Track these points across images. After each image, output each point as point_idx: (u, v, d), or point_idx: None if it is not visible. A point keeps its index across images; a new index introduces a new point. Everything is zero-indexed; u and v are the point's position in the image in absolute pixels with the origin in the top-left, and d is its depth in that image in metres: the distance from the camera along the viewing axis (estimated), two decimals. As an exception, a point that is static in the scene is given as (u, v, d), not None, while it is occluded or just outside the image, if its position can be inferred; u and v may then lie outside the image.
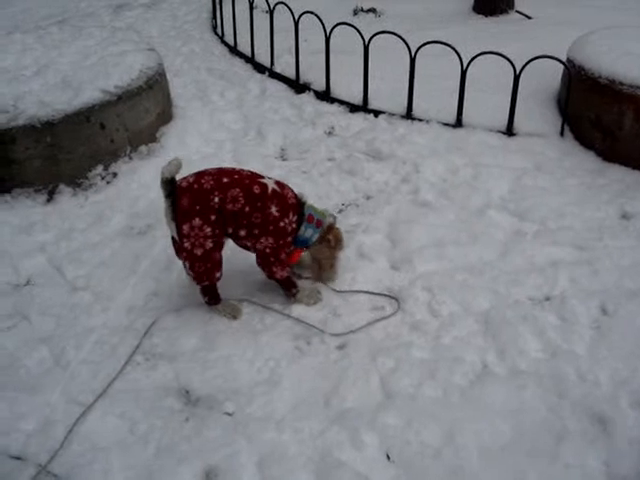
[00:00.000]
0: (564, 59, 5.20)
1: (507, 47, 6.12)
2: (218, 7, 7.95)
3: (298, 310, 3.58)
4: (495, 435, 2.87)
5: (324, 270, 3.73)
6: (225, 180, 3.29)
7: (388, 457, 2.80)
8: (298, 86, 6.23)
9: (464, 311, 3.54)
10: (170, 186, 3.26)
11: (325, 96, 5.97)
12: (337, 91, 5.93)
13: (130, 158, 4.89)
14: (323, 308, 3.60)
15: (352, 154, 5.01)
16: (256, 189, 3.31)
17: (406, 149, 5.01)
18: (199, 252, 3.31)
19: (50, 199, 4.55)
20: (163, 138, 5.17)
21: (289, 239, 3.45)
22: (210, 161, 4.60)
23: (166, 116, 5.35)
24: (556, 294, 3.63)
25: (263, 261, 3.51)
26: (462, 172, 4.72)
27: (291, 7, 6.10)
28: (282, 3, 6.11)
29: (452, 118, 5.35)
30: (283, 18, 6.18)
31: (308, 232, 3.49)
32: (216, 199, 3.24)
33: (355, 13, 7.91)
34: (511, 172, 4.69)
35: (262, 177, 3.42)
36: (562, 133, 5.12)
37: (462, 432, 2.87)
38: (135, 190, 4.66)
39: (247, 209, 3.29)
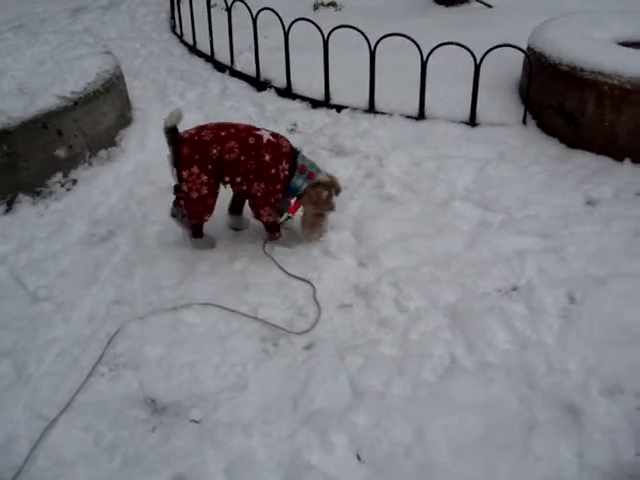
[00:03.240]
0: (525, 47, 5.19)
1: (468, 37, 6.10)
2: (176, 7, 7.87)
3: (264, 312, 3.53)
4: (465, 430, 2.84)
5: (304, 226, 3.96)
6: (223, 134, 3.66)
7: (359, 457, 2.76)
8: (259, 84, 6.18)
9: (431, 305, 3.51)
10: (172, 134, 3.66)
11: (287, 93, 5.92)
12: (298, 87, 5.89)
13: (90, 164, 4.80)
14: (288, 308, 3.55)
15: (315, 150, 4.97)
16: (251, 140, 3.68)
17: (369, 143, 4.97)
18: (195, 196, 3.70)
19: (9, 209, 4.45)
20: (123, 142, 5.09)
21: (279, 186, 3.75)
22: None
23: (125, 119, 5.27)
24: (523, 284, 3.61)
25: (254, 203, 3.84)
26: (426, 164, 4.69)
27: (250, 4, 6.04)
28: (240, 0, 6.04)
29: (415, 111, 5.33)
30: (242, 15, 6.12)
31: (299, 182, 3.79)
32: (214, 150, 3.62)
33: (315, 8, 7.88)
34: (475, 162, 4.68)
35: (258, 129, 3.79)
36: (525, 121, 5.12)
37: (432, 428, 2.84)
38: (95, 196, 4.58)
39: (242, 158, 3.65)
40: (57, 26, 8.37)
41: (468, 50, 4.90)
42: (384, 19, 7.24)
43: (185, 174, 3.64)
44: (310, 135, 5.22)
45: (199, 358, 3.27)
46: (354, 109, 5.50)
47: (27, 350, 3.38)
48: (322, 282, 3.71)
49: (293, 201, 3.95)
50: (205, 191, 3.69)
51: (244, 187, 3.77)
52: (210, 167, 3.63)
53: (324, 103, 5.67)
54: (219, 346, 3.34)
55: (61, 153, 4.59)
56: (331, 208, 3.91)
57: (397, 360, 3.18)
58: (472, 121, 5.17)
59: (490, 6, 7.53)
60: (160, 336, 3.42)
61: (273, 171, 3.69)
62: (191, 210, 3.80)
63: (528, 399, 2.95)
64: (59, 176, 4.63)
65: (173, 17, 8.06)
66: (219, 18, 6.63)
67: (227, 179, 3.75)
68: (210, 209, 3.82)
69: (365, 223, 4.13)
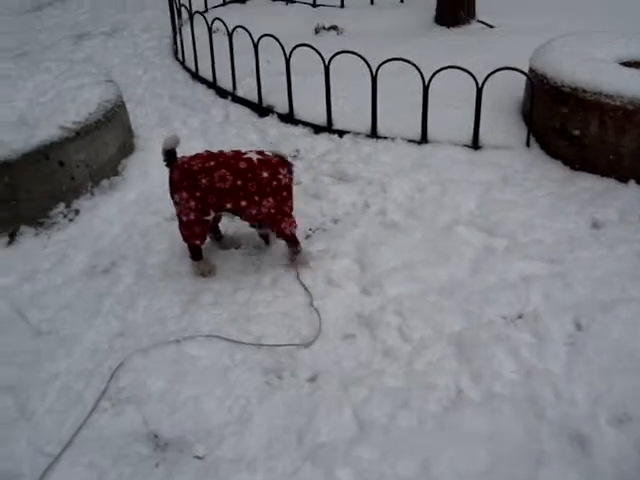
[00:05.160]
0: (527, 68, 5.18)
1: (470, 58, 6.17)
2: (178, 32, 7.89)
3: (268, 342, 3.50)
4: (472, 462, 2.81)
5: None
6: (212, 163, 3.76)
7: (364, 493, 2.73)
8: (261, 109, 6.16)
9: (436, 334, 3.48)
10: (169, 158, 3.86)
11: (289, 118, 5.91)
12: (301, 113, 5.88)
13: (92, 194, 4.79)
14: (293, 339, 3.52)
15: (318, 177, 4.95)
16: (242, 164, 3.77)
17: (372, 169, 4.95)
18: (184, 219, 3.84)
19: (12, 241, 4.43)
20: (125, 171, 5.08)
21: (285, 193, 3.87)
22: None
23: (127, 148, 5.27)
24: (529, 311, 3.57)
25: (272, 221, 3.91)
26: (429, 189, 4.67)
27: (254, 28, 6.05)
28: (241, 27, 6.05)
29: (417, 135, 5.31)
30: (244, 41, 6.11)
31: None
32: (203, 180, 3.72)
33: (317, 32, 7.89)
34: (478, 186, 4.65)
35: (245, 153, 3.88)
36: (528, 144, 5.10)
37: (438, 461, 2.81)
38: (98, 227, 4.56)
39: (239, 182, 3.74)
40: (60, 53, 8.39)
41: (469, 74, 4.89)
42: (386, 42, 7.24)
43: (176, 197, 3.81)
44: (312, 161, 5.20)
45: (203, 391, 3.25)
46: (356, 134, 5.48)
47: (30, 385, 3.36)
48: (325, 311, 3.68)
49: None
50: (192, 217, 3.80)
51: (254, 211, 3.83)
52: (198, 194, 3.73)
53: (326, 128, 5.65)
54: (223, 379, 3.32)
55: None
56: None
57: (402, 391, 3.15)
58: (475, 144, 5.15)
59: (492, 27, 7.54)
60: (163, 369, 3.40)
61: (275, 183, 3.79)
62: (182, 232, 3.94)
63: (535, 430, 2.92)
64: (61, 207, 4.62)
65: (175, 43, 8.08)
66: (221, 43, 6.63)
67: (229, 205, 3.80)
68: (198, 235, 3.92)
69: (368, 250, 4.11)
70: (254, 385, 3.27)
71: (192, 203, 3.75)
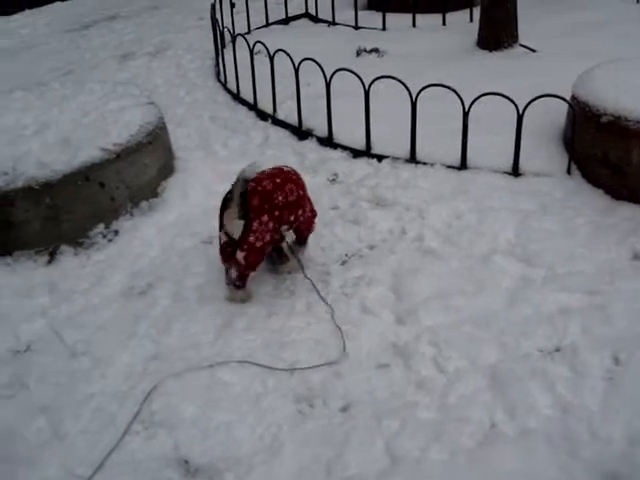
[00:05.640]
0: (569, 94, 5.13)
1: (512, 83, 6.10)
2: (221, 54, 7.96)
3: (301, 372, 3.49)
4: (505, 501, 2.77)
5: None
6: (278, 180, 3.84)
7: (393, 529, 2.70)
8: (301, 133, 6.19)
9: (471, 366, 3.43)
10: (246, 185, 3.77)
11: (328, 142, 5.91)
12: (340, 136, 5.88)
13: (131, 215, 4.85)
14: (326, 368, 3.50)
15: (356, 202, 4.93)
16: (293, 175, 3.98)
17: (410, 195, 4.93)
18: (259, 245, 3.83)
19: (51, 260, 4.51)
20: (165, 193, 5.13)
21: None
22: (213, 214, 4.54)
23: (167, 170, 5.32)
24: (567, 344, 3.50)
25: (309, 223, 4.21)
26: (467, 217, 4.62)
27: (295, 50, 6.08)
28: (282, 50, 6.09)
29: (457, 161, 5.27)
30: (285, 63, 6.14)
31: None
32: (280, 197, 3.80)
33: (358, 54, 7.90)
34: (517, 214, 4.60)
35: (283, 167, 4.05)
36: (569, 171, 5.03)
37: (470, 498, 2.77)
38: (137, 248, 4.61)
39: (301, 192, 3.96)
40: (105, 73, 8.53)
41: (510, 100, 4.85)
42: (427, 65, 7.23)
43: (255, 224, 3.76)
44: (350, 186, 5.18)
45: (234, 418, 3.25)
46: (395, 159, 5.46)
47: (64, 406, 3.39)
48: (359, 340, 3.66)
49: None
50: (268, 238, 3.84)
51: (301, 217, 4.03)
52: (277, 213, 3.81)
53: (365, 153, 5.65)
54: (255, 405, 3.32)
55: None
56: None
57: (435, 424, 3.11)
58: (515, 171, 5.10)
59: (534, 51, 7.47)
60: (196, 394, 3.40)
61: (302, 192, 4.01)
62: (251, 260, 3.88)
63: (569, 468, 2.85)
64: (101, 227, 4.68)
65: (218, 64, 8.16)
66: (263, 66, 6.69)
67: (292, 218, 3.94)
68: (260, 261, 3.99)
69: (404, 278, 4.08)
70: (286, 413, 3.26)
71: (270, 224, 3.80)
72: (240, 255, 3.84)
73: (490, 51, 7.69)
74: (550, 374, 3.33)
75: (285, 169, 4.00)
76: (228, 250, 3.96)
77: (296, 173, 4.04)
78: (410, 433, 3.08)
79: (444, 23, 8.89)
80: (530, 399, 3.20)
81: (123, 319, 3.96)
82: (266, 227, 3.78)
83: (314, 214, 4.22)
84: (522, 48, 7.63)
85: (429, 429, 3.09)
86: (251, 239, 3.78)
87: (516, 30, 7.72)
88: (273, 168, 3.96)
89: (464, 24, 8.70)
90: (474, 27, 8.06)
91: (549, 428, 3.03)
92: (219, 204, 3.93)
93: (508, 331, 3.63)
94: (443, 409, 3.20)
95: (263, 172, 3.86)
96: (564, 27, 8.10)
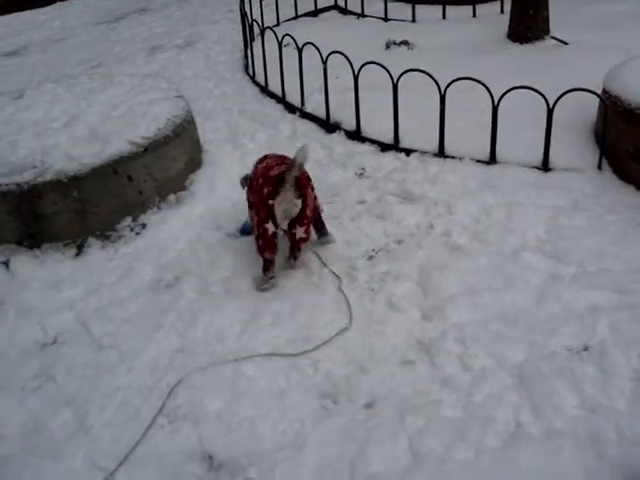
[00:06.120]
0: (600, 87, 5.06)
1: (543, 76, 6.04)
2: (249, 46, 7.95)
3: (325, 366, 3.48)
4: (529, 501, 2.73)
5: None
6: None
7: (416, 528, 2.68)
8: (329, 126, 6.16)
9: (497, 364, 3.39)
10: (302, 168, 3.95)
11: (356, 135, 5.88)
12: (368, 130, 5.85)
13: (159, 208, 4.87)
14: (349, 363, 3.49)
15: (383, 196, 4.90)
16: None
17: (438, 189, 4.89)
18: (310, 213, 4.08)
19: (79, 253, 4.54)
20: (192, 186, 5.14)
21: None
22: (240, 207, 4.56)
23: (195, 163, 5.34)
24: (595, 343, 3.44)
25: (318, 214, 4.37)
26: (496, 212, 4.57)
27: (324, 42, 6.06)
28: (310, 43, 6.07)
29: (485, 155, 5.21)
30: (314, 55, 6.12)
31: None
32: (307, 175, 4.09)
33: (387, 46, 7.85)
34: (547, 210, 4.54)
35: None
36: (600, 167, 4.95)
37: (494, 499, 2.74)
38: (164, 241, 4.63)
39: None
40: (134, 65, 8.58)
41: (541, 94, 4.78)
42: (456, 58, 7.17)
43: (309, 200, 4.03)
44: (378, 180, 5.15)
45: (258, 413, 3.25)
46: (423, 153, 5.42)
47: (89, 399, 3.42)
48: (385, 336, 3.64)
49: None
50: (312, 201, 4.12)
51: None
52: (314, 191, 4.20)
53: (393, 146, 5.61)
54: (279, 401, 3.31)
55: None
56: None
57: (460, 423, 3.08)
58: (545, 166, 5.03)
59: (566, 43, 7.36)
60: (220, 389, 3.41)
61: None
62: (309, 231, 4.15)
63: (596, 469, 2.80)
64: (128, 220, 4.71)
65: (246, 57, 8.16)
66: (291, 58, 6.67)
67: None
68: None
69: (431, 274, 4.05)
70: (309, 409, 3.25)
71: (314, 197, 4.17)
72: (301, 230, 4.04)
73: (521, 43, 7.58)
74: (578, 373, 3.27)
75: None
76: (275, 242, 4.02)
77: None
78: (434, 431, 3.05)
79: (474, 15, 8.80)
80: (557, 399, 3.15)
81: (149, 312, 3.98)
82: (313, 202, 4.12)
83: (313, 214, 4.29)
84: (553, 40, 7.52)
85: (453, 428, 3.06)
86: (308, 212, 4.01)
87: (547, 22, 7.60)
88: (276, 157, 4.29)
89: (495, 16, 8.59)
90: (505, 19, 7.97)
91: (576, 428, 2.99)
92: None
93: (536, 329, 3.58)
94: (468, 408, 3.16)
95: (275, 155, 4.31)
96: (598, 19, 7.96)
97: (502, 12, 8.61)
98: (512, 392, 3.23)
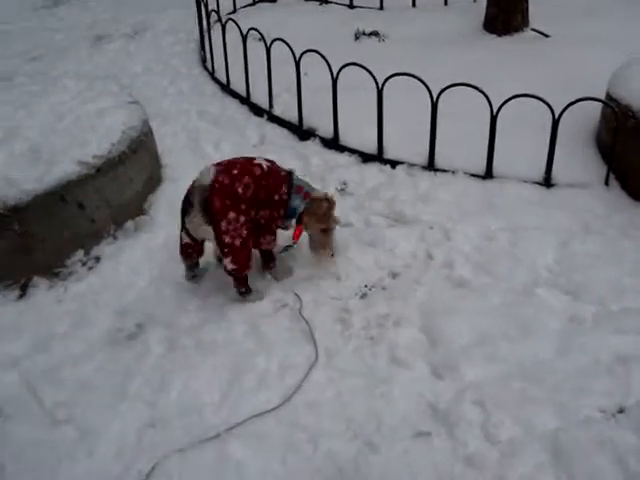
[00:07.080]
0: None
1: (531, 73, 5.70)
2: (206, 36, 7.18)
3: (326, 443, 2.94)
4: None
5: (313, 247, 3.94)
6: (235, 172, 3.54)
7: None
8: (302, 132, 5.55)
9: (527, 434, 2.91)
10: (205, 194, 3.45)
11: (333, 144, 5.28)
12: (347, 138, 5.25)
13: (115, 238, 4.23)
14: (353, 439, 2.94)
15: (370, 218, 4.35)
16: (257, 171, 3.63)
17: (432, 210, 4.35)
18: (238, 242, 3.52)
19: (23, 294, 3.89)
20: (152, 209, 4.51)
21: (281, 211, 3.76)
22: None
23: (154, 181, 4.70)
24: (631, 403, 3.01)
25: (261, 231, 3.75)
26: (499, 238, 4.08)
27: (287, 32, 5.48)
28: (280, 39, 5.44)
29: (481, 168, 4.69)
30: (280, 48, 5.48)
31: (296, 202, 3.77)
32: (239, 189, 3.49)
33: (357, 37, 7.26)
34: (555, 235, 4.07)
35: (254, 159, 3.74)
36: (607, 182, 4.48)
37: None
38: (122, 277, 4.01)
39: (258, 191, 3.60)
40: (78, 58, 7.80)
41: (547, 104, 4.28)
42: (432, 51, 6.66)
43: (224, 225, 3.47)
44: (363, 198, 4.58)
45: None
46: (411, 165, 4.86)
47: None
48: (392, 400, 3.12)
49: (292, 229, 3.90)
50: (245, 232, 3.54)
51: (262, 221, 3.74)
52: (243, 207, 3.52)
53: (377, 157, 5.04)
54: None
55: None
56: (335, 221, 3.89)
57: (495, 518, 2.60)
58: (547, 182, 4.54)
59: (547, 36, 6.88)
60: (202, 476, 2.84)
61: (276, 197, 3.70)
62: (242, 260, 3.60)
63: None
64: (80, 254, 4.06)
65: (203, 49, 7.42)
66: (255, 50, 6.02)
67: (253, 214, 3.67)
68: (251, 251, 3.70)
69: (437, 317, 3.53)
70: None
71: (241, 218, 3.51)
72: (227, 261, 3.58)
73: (499, 35, 7.10)
74: (617, 443, 2.84)
75: (251, 161, 3.74)
76: (189, 251, 3.81)
77: (264, 170, 3.69)
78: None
79: (446, 3, 8.26)
80: (599, 476, 2.71)
81: (110, 374, 3.36)
82: (237, 223, 3.49)
83: (268, 231, 3.81)
84: (533, 32, 7.03)
85: (489, 525, 2.57)
86: (227, 240, 3.50)
87: (527, 12, 7.11)
88: (248, 159, 3.76)
89: (467, 3, 8.11)
90: (478, 7, 7.51)
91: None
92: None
93: (563, 387, 3.12)
94: (501, 495, 2.68)
95: (220, 164, 3.63)
96: (579, 8, 7.49)
97: (475, 0, 8.08)
98: (548, 471, 2.78)
